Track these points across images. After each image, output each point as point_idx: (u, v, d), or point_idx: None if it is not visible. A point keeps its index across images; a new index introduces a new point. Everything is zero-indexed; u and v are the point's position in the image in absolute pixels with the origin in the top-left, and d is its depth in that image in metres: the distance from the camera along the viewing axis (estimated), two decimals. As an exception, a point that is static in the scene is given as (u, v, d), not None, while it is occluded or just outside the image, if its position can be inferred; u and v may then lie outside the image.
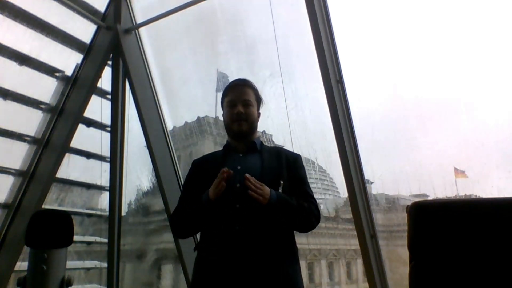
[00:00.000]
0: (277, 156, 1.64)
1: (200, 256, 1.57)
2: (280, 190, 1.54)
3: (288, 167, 1.62)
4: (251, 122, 1.65)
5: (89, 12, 3.25)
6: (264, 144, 1.72)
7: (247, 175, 1.47)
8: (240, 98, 1.65)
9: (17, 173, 3.21)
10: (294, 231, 1.60)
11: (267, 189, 1.47)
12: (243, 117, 1.63)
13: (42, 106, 3.28)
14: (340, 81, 2.49)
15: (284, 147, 1.77)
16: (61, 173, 3.35)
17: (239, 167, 1.57)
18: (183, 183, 3.28)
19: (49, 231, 1.64)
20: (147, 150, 3.30)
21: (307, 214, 1.55)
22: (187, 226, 1.63)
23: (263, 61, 3.56)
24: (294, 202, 1.53)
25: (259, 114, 1.73)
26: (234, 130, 1.65)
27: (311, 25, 2.49)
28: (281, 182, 1.55)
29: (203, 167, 1.68)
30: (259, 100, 1.73)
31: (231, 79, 1.77)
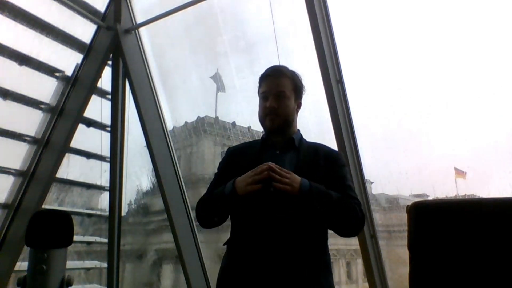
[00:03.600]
0: (315, 154, 1.53)
1: (231, 256, 1.48)
2: None
3: (326, 167, 1.49)
4: (284, 116, 1.52)
5: (89, 12, 3.24)
6: (304, 139, 1.60)
7: (270, 163, 1.36)
8: (272, 90, 1.52)
9: (17, 173, 3.21)
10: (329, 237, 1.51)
11: (295, 177, 1.37)
12: (275, 111, 1.50)
13: (42, 106, 3.28)
14: (340, 81, 2.49)
15: (325, 144, 1.63)
16: (61, 173, 3.35)
17: None
18: (183, 183, 3.30)
19: (49, 231, 1.64)
20: (147, 150, 3.30)
21: (348, 211, 1.41)
22: (209, 216, 1.52)
23: (263, 61, 3.56)
24: (333, 193, 1.41)
25: (299, 104, 1.59)
26: (266, 126, 1.54)
27: (311, 25, 2.48)
28: None
29: (238, 157, 1.57)
30: (298, 88, 1.58)
31: (232, 78, 1.73)
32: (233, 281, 1.42)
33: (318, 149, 1.55)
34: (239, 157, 1.56)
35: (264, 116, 1.54)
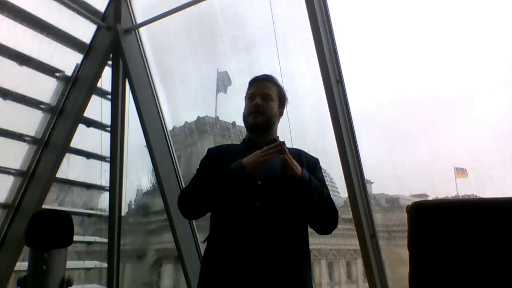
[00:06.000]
0: (298, 157, 1.58)
1: (213, 250, 1.51)
2: None
3: (308, 169, 1.55)
4: (267, 116, 1.60)
5: (89, 12, 3.24)
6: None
7: (284, 145, 1.44)
8: (260, 91, 1.62)
9: (17, 173, 3.21)
10: (310, 233, 1.56)
11: (298, 166, 1.45)
12: (260, 110, 1.58)
13: (42, 106, 3.28)
14: (340, 81, 2.49)
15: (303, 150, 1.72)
16: (61, 173, 3.35)
17: None
18: (183, 183, 3.30)
19: (49, 231, 1.64)
20: (147, 150, 3.30)
21: (332, 209, 1.51)
22: (201, 200, 1.50)
23: (263, 61, 3.55)
24: (324, 189, 1.51)
25: (280, 112, 1.68)
26: (249, 122, 1.61)
27: (311, 25, 2.48)
28: None
29: (222, 155, 1.59)
30: (282, 97, 1.68)
31: (232, 78, 1.76)
32: (218, 276, 1.44)
33: (300, 153, 1.64)
34: (224, 156, 1.59)
35: (249, 114, 1.61)
